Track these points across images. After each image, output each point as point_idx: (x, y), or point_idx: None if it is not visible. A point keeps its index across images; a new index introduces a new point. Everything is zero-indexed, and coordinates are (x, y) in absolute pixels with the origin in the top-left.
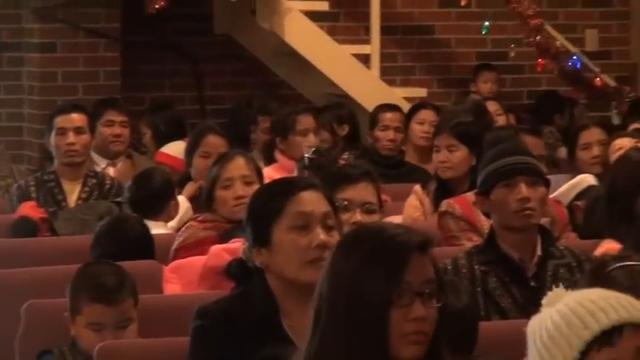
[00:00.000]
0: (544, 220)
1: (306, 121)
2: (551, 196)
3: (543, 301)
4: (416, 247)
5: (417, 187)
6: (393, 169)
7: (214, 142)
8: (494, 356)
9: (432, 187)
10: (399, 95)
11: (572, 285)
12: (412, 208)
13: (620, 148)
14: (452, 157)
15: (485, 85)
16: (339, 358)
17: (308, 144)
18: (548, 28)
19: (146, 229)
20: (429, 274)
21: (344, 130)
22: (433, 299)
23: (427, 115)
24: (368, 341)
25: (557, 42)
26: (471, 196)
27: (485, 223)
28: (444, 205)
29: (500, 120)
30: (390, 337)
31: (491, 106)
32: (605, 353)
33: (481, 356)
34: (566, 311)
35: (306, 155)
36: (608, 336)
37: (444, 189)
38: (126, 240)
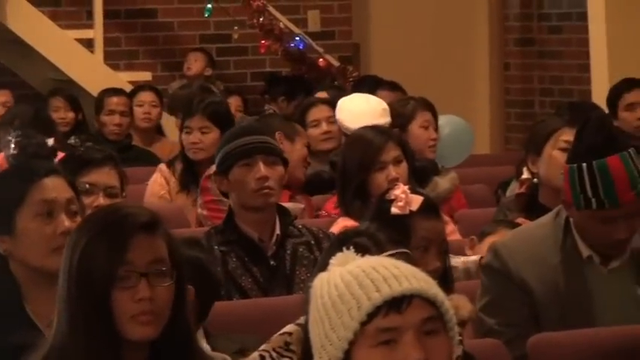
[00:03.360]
0: (292, 206)
1: None
2: None
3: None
4: (140, 226)
5: (163, 166)
6: (121, 154)
7: None
8: (247, 336)
9: (178, 167)
10: (124, 79)
11: (311, 262)
12: (158, 186)
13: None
14: (204, 139)
15: (196, 63)
16: (72, 339)
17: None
18: (271, 9)
19: None
20: (159, 253)
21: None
22: (165, 278)
23: (146, 96)
24: (95, 321)
25: (280, 23)
26: None
27: None
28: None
29: None
30: (118, 318)
31: (219, 87)
32: (392, 319)
33: (230, 337)
34: (358, 272)
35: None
36: (398, 303)
37: (191, 170)
38: None
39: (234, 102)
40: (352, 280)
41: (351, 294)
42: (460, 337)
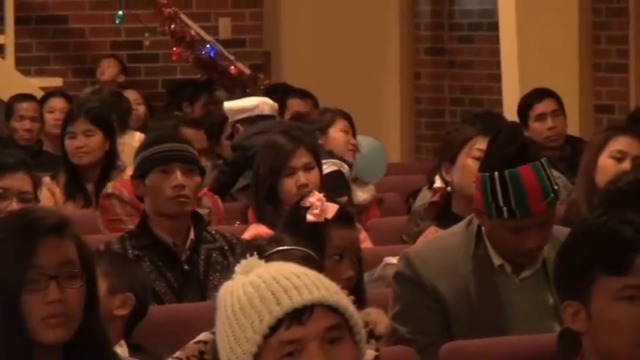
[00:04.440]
0: (204, 211)
1: None
2: None
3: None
4: (48, 229)
5: (47, 179)
6: (32, 159)
7: None
8: (159, 346)
9: (62, 178)
10: (35, 85)
11: (225, 267)
12: (45, 199)
13: None
14: (89, 142)
15: (109, 69)
16: None
17: None
18: (183, 16)
19: None
20: (68, 255)
21: None
22: (75, 280)
23: (57, 103)
24: (6, 324)
25: (192, 30)
26: None
27: None
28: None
29: (140, 109)
30: (29, 321)
31: (131, 95)
32: (294, 331)
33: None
34: (259, 284)
35: None
36: (300, 314)
37: (75, 177)
38: None
39: (141, 108)
40: (253, 293)
41: (253, 307)
42: (377, 353)
